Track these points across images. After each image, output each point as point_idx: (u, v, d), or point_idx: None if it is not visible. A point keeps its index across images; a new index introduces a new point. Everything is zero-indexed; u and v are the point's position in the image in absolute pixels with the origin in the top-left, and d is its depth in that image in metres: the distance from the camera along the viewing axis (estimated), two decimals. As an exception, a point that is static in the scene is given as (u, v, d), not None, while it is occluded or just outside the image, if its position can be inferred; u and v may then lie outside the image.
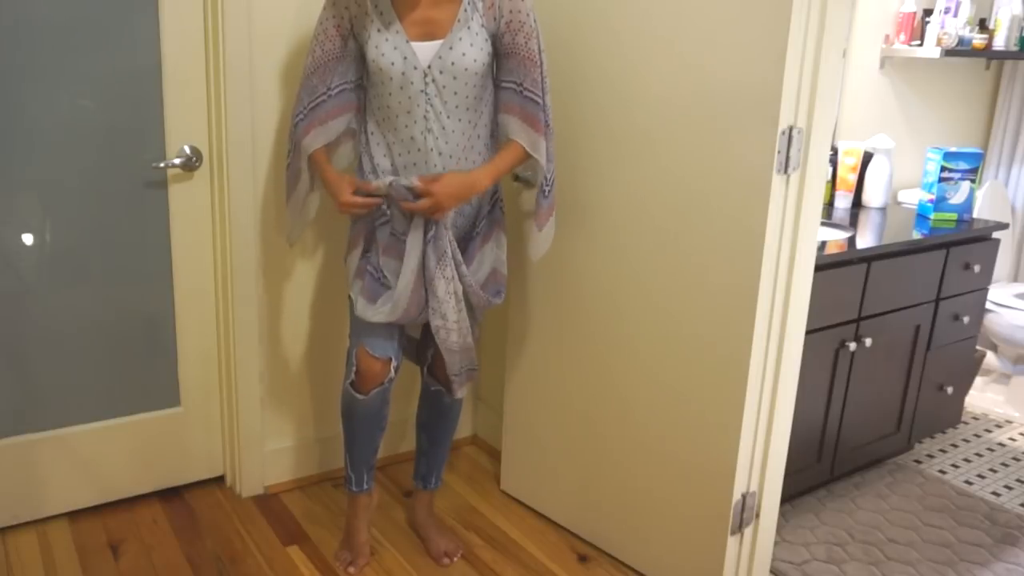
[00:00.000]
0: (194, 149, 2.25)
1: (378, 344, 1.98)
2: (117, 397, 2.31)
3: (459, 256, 1.96)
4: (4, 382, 2.15)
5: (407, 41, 1.87)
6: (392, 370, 2.01)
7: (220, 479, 2.54)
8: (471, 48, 1.87)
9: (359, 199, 1.94)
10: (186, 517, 2.35)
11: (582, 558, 2.27)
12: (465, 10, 1.86)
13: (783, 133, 1.75)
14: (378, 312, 1.95)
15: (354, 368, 2.00)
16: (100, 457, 2.32)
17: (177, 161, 2.23)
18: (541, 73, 1.92)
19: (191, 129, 2.24)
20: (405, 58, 1.88)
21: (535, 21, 1.90)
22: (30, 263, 2.13)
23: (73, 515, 2.32)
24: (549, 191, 2.03)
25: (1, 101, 2.00)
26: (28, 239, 2.11)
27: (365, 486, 2.16)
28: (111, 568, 2.11)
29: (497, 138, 2.02)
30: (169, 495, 2.45)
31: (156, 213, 2.26)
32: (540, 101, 1.92)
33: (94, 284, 2.22)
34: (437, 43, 1.87)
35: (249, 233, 2.30)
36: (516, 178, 2.24)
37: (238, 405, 2.41)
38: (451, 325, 1.97)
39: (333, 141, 2.04)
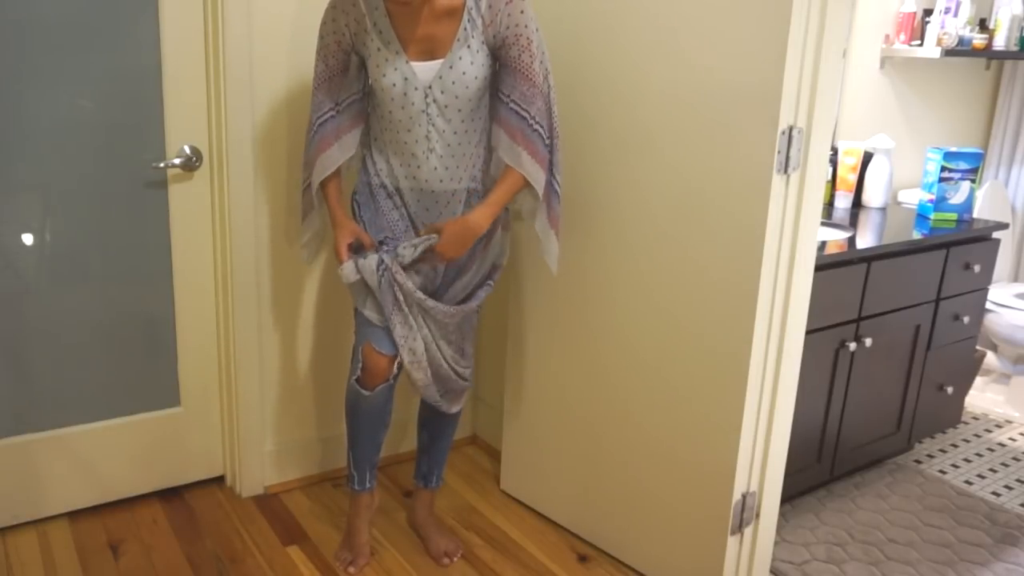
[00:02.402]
0: (194, 149, 2.25)
1: (384, 341, 1.99)
2: (117, 397, 2.32)
3: (426, 303, 1.97)
4: (4, 382, 2.15)
5: (407, 62, 1.87)
6: (397, 366, 2.02)
7: (220, 479, 2.54)
8: (471, 66, 1.87)
9: (347, 258, 1.97)
10: (186, 517, 2.35)
11: (582, 558, 2.27)
12: (465, 28, 1.85)
13: (783, 133, 1.75)
14: (370, 313, 1.99)
15: (360, 364, 2.01)
16: (100, 457, 2.32)
17: (177, 161, 2.23)
18: (536, 87, 1.88)
19: (191, 129, 2.24)
20: (406, 79, 1.88)
21: (535, 32, 1.87)
22: (30, 263, 2.13)
23: (73, 515, 2.32)
24: (558, 192, 2.00)
25: (1, 101, 2.00)
26: (28, 239, 2.11)
27: (367, 485, 2.16)
28: (111, 568, 2.11)
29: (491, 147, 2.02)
30: (169, 495, 2.45)
31: (156, 213, 2.26)
32: (526, 114, 1.88)
33: (94, 284, 2.22)
34: (437, 63, 1.87)
35: (249, 233, 2.30)
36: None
37: (238, 405, 2.41)
38: (419, 359, 2.01)
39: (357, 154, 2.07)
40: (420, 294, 1.96)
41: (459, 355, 2.10)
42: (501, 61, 1.90)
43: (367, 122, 2.04)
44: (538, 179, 1.92)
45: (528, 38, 1.86)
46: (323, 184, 2.01)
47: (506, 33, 1.86)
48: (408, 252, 1.93)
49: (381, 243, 2.00)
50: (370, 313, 1.99)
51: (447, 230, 1.91)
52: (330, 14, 1.92)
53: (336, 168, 2.00)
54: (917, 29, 3.26)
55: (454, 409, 2.17)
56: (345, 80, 1.97)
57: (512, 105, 1.89)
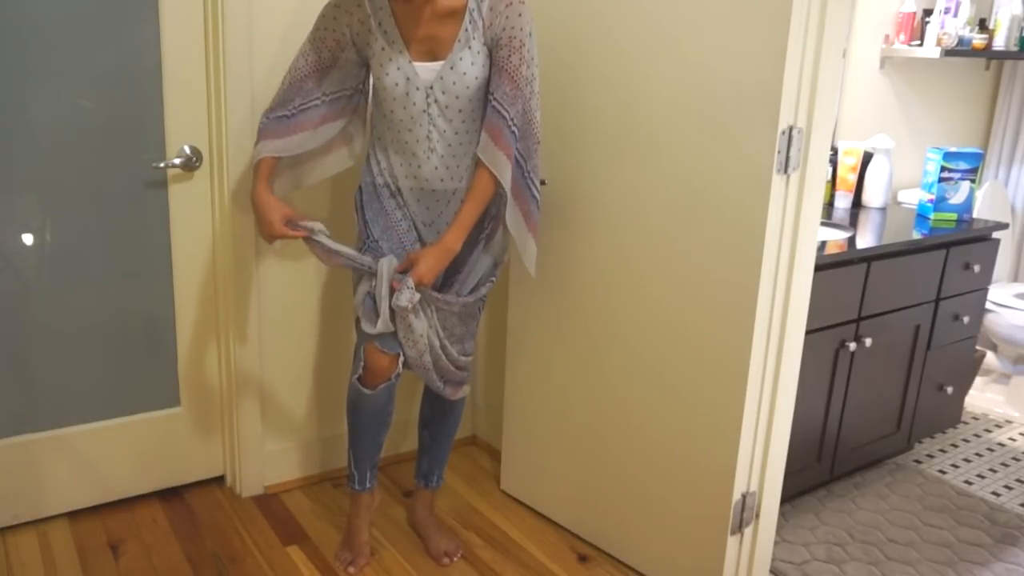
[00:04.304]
0: (194, 149, 2.25)
1: (386, 340, 1.99)
2: (117, 397, 2.32)
3: (429, 294, 1.96)
4: (4, 382, 2.15)
5: (410, 61, 1.89)
6: (399, 365, 2.02)
7: (220, 479, 2.54)
8: (471, 67, 1.88)
9: (288, 230, 1.94)
10: (186, 517, 2.35)
11: (582, 558, 2.27)
12: (466, 29, 1.87)
13: (783, 133, 1.75)
14: (371, 327, 1.98)
15: (362, 363, 2.01)
16: (100, 457, 2.32)
17: (177, 161, 2.23)
18: (518, 90, 1.88)
19: (191, 129, 2.24)
20: (408, 79, 1.89)
21: (528, 37, 1.88)
22: (30, 263, 2.13)
23: (73, 515, 2.32)
24: (537, 198, 2.00)
25: (1, 101, 2.00)
26: (28, 239, 2.11)
27: (368, 484, 2.16)
28: (111, 568, 2.11)
29: None
30: (169, 495, 2.45)
31: (156, 213, 2.26)
32: (506, 115, 1.89)
33: (94, 284, 2.22)
34: (439, 64, 1.88)
35: (249, 233, 2.30)
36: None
37: (238, 405, 2.41)
38: (416, 339, 1.99)
39: (324, 147, 2.08)
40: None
41: (460, 346, 2.09)
42: (492, 60, 1.91)
43: (354, 117, 2.07)
44: (509, 184, 1.93)
45: (521, 41, 1.87)
46: (264, 160, 1.97)
47: (501, 34, 1.87)
48: (406, 295, 1.90)
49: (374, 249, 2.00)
50: (368, 328, 1.99)
51: (422, 261, 1.90)
52: (332, 11, 1.92)
53: (313, 147, 2.02)
54: (917, 29, 3.26)
55: (456, 396, 2.17)
56: (336, 75, 1.99)
57: (495, 104, 1.90)
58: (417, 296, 1.90)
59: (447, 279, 2.06)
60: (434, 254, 1.91)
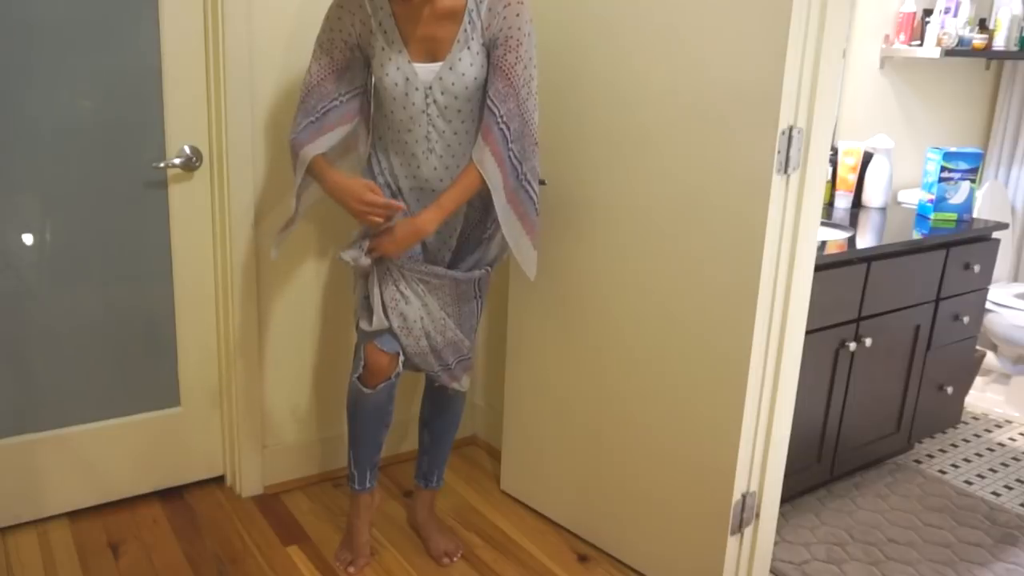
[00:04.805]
0: (194, 149, 2.25)
1: (386, 339, 1.99)
2: (117, 397, 2.32)
3: (417, 265, 1.97)
4: (4, 382, 2.15)
5: (409, 61, 1.89)
6: (399, 364, 2.02)
7: (220, 479, 2.54)
8: (470, 68, 1.88)
9: (380, 200, 1.87)
10: (186, 517, 2.36)
11: (582, 558, 2.27)
12: (465, 29, 1.87)
13: (783, 133, 1.75)
14: (368, 325, 2.00)
15: (362, 363, 2.01)
16: (100, 457, 2.32)
17: (177, 161, 2.23)
18: (512, 88, 1.87)
19: (191, 129, 2.24)
20: (407, 79, 1.89)
21: (527, 37, 1.87)
22: (30, 263, 2.13)
23: (73, 515, 2.32)
24: (534, 200, 1.98)
25: (1, 101, 2.00)
26: (28, 239, 2.11)
27: (368, 485, 2.16)
28: (111, 568, 2.11)
29: None
30: (169, 495, 2.45)
31: (156, 213, 2.26)
32: (496, 111, 1.87)
33: (94, 284, 2.22)
34: (438, 64, 1.88)
35: (249, 233, 2.30)
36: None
37: (238, 405, 2.41)
38: (410, 326, 1.99)
39: (343, 145, 2.08)
40: (417, 263, 1.97)
41: (459, 325, 2.08)
42: (490, 60, 1.91)
43: (367, 115, 2.06)
44: (495, 182, 1.90)
45: (518, 40, 1.87)
46: (315, 159, 1.95)
47: (499, 34, 1.87)
48: (352, 253, 1.93)
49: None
50: (365, 325, 1.99)
51: (396, 229, 1.90)
52: (335, 12, 1.93)
53: (334, 144, 2.01)
54: (917, 29, 3.26)
55: (454, 385, 2.15)
56: (348, 75, 1.99)
57: (488, 101, 1.89)
58: (365, 260, 1.91)
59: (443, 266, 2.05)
60: (407, 230, 1.90)
